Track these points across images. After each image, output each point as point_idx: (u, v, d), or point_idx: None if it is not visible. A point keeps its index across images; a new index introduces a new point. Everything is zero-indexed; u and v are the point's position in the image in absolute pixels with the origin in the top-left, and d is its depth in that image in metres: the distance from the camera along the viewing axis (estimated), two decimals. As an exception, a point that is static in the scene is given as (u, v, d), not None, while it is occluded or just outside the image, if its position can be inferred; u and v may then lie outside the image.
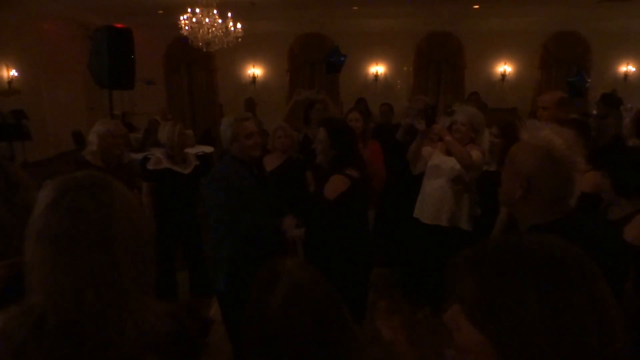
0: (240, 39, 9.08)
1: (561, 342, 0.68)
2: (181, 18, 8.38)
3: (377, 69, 12.60)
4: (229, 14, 8.68)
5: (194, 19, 8.32)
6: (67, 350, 0.90)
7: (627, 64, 12.26)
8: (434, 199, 3.51)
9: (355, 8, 11.04)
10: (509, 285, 0.72)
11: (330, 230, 2.67)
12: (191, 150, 7.26)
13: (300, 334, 1.05)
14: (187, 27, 8.42)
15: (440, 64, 12.53)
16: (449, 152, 3.39)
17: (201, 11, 8.29)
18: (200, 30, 8.46)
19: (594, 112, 2.88)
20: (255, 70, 12.73)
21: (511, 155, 1.53)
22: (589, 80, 10.34)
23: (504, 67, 12.43)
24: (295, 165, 3.83)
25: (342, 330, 1.10)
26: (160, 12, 10.57)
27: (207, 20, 8.34)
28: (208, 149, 7.53)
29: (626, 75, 12.28)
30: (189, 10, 8.29)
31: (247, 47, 10.84)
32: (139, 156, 5.95)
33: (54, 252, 0.92)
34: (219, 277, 2.73)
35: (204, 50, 9.12)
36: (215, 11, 8.42)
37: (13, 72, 9.61)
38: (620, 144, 3.03)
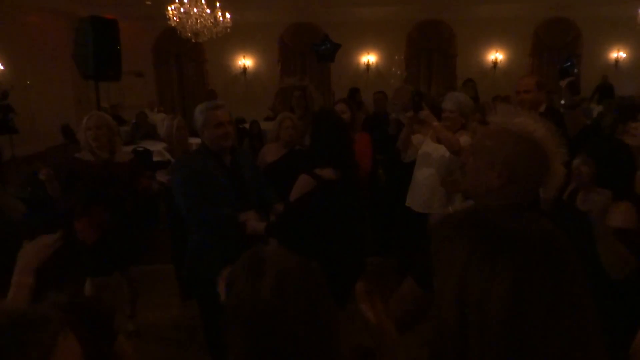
0: (229, 29, 9.00)
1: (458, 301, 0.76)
2: (169, 8, 8.28)
3: (369, 58, 12.53)
4: (217, 4, 8.58)
5: (181, 9, 8.22)
6: None
7: (618, 50, 12.28)
8: (425, 187, 3.48)
9: (345, -4, 10.97)
10: (449, 242, 0.83)
11: (298, 236, 2.45)
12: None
13: (293, 319, 1.05)
14: (175, 18, 8.31)
15: (431, 52, 12.49)
16: (440, 140, 3.35)
17: (189, 1, 8.19)
18: (189, 21, 8.36)
19: (562, 102, 2.82)
20: (245, 61, 12.63)
21: (482, 142, 1.42)
22: (576, 69, 10.39)
23: (496, 55, 12.41)
24: (297, 158, 3.63)
25: (330, 313, 1.11)
26: (148, 2, 10.43)
27: (195, 10, 8.24)
28: (197, 141, 7.47)
29: (617, 61, 12.30)
30: (177, 0, 8.18)
31: (237, 37, 10.75)
32: (128, 149, 5.91)
33: None
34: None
35: (193, 41, 9.01)
36: (203, 1, 8.32)
37: (-1, 66, 9.49)
38: (595, 134, 2.97)
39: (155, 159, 3.62)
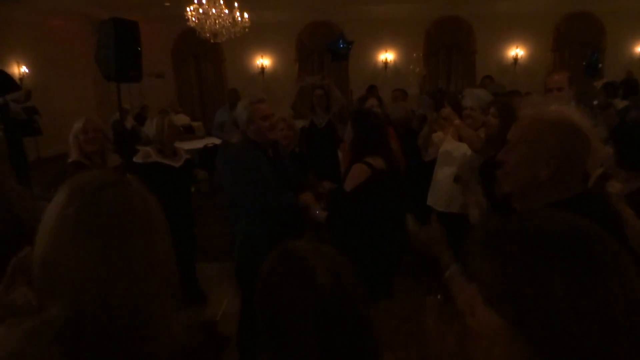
0: (247, 29, 9.03)
1: (591, 321, 0.65)
2: (188, 9, 8.35)
3: (387, 56, 12.46)
4: (236, 4, 8.62)
5: (200, 10, 8.28)
6: None
7: (643, 44, 11.98)
8: (446, 186, 3.44)
9: (363, -6, 10.92)
10: (532, 266, 0.68)
11: (351, 224, 2.51)
12: (201, 142, 7.27)
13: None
14: (194, 19, 8.38)
15: (450, 49, 12.36)
16: (461, 138, 3.31)
17: (207, 2, 8.25)
18: (207, 21, 8.42)
19: (595, 102, 2.72)
20: (263, 61, 12.68)
21: (521, 135, 1.37)
22: (600, 63, 10.14)
23: (516, 51, 12.20)
24: (297, 160, 3.67)
25: (367, 307, 1.09)
26: (167, 4, 10.54)
27: (213, 10, 8.29)
28: (217, 141, 7.52)
29: (642, 55, 12.00)
30: (195, 1, 8.25)
31: (255, 37, 10.78)
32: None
33: (91, 248, 0.83)
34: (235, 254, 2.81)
35: (212, 41, 9.07)
36: (221, 1, 8.37)
37: (24, 69, 9.68)
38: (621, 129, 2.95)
39: (135, 159, 3.56)
